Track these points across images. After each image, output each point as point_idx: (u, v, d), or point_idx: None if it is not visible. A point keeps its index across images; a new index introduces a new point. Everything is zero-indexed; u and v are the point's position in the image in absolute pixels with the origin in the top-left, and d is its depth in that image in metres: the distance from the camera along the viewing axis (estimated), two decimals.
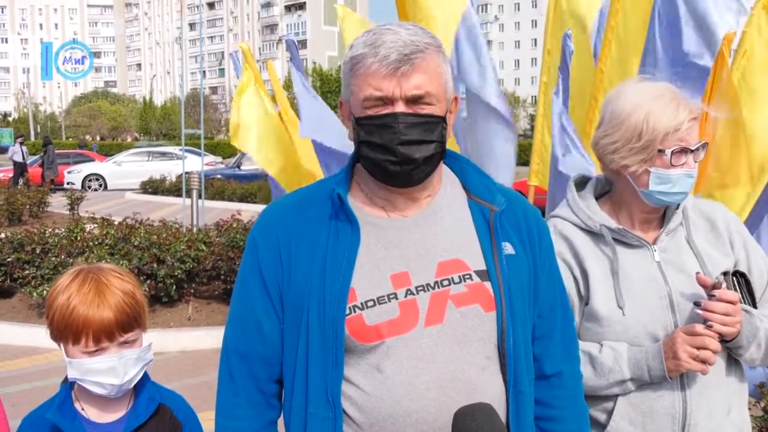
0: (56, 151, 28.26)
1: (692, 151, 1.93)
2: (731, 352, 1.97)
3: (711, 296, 1.86)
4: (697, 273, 1.91)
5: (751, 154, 3.57)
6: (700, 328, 1.85)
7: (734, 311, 1.85)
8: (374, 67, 1.56)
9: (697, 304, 1.87)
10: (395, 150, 1.57)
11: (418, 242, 1.65)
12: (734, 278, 1.98)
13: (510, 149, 4.60)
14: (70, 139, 71.21)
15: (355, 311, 1.59)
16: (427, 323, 1.59)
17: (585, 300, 2.00)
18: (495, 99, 4.36)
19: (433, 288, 1.61)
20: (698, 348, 1.84)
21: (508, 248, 1.67)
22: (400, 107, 1.57)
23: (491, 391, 1.61)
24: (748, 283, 1.99)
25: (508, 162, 4.61)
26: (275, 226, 1.70)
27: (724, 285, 1.87)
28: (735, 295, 1.87)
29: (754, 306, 1.99)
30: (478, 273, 1.63)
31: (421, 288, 1.61)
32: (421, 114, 1.58)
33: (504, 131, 4.50)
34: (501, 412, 1.63)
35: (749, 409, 2.11)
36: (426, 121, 1.58)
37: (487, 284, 1.63)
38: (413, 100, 1.57)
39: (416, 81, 1.56)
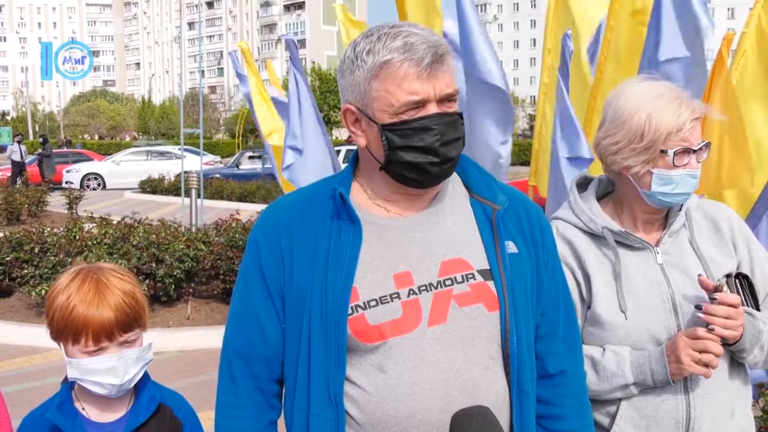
0: (52, 150, 28.24)
1: (695, 151, 1.92)
2: (734, 355, 1.95)
3: (713, 299, 1.85)
4: (699, 275, 1.90)
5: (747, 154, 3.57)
6: (701, 331, 1.84)
7: (736, 314, 1.84)
8: (411, 71, 1.54)
9: (698, 307, 1.86)
10: (437, 151, 1.57)
11: (420, 242, 1.64)
12: (737, 280, 1.96)
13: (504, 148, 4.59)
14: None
15: (357, 311, 1.58)
16: (430, 323, 1.59)
17: (587, 303, 1.99)
18: (495, 74, 4.31)
19: (436, 287, 1.61)
20: (700, 351, 1.83)
21: (511, 247, 1.66)
22: (434, 108, 1.57)
23: (495, 391, 1.61)
24: (750, 285, 1.97)
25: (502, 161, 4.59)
26: (277, 225, 1.70)
27: (725, 288, 1.86)
28: (736, 299, 1.86)
29: (757, 308, 1.97)
30: (481, 272, 1.63)
31: (423, 288, 1.60)
32: (450, 112, 1.59)
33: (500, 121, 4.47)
34: (504, 412, 1.62)
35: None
36: (456, 119, 1.60)
37: (490, 283, 1.62)
38: (443, 99, 1.58)
39: (447, 80, 1.57)
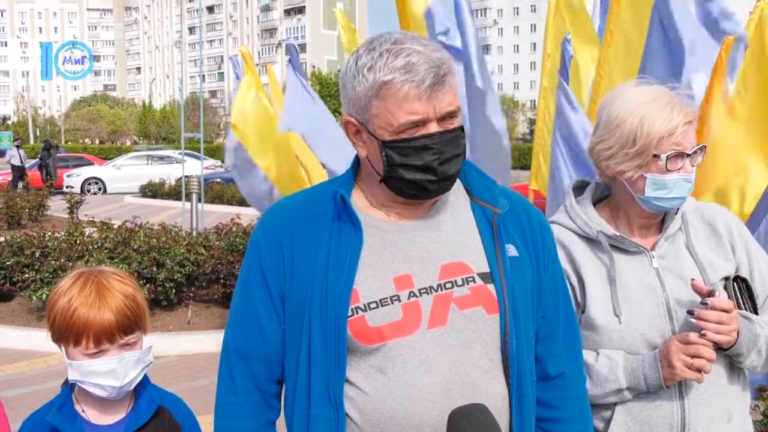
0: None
1: (689, 155, 1.91)
2: (731, 359, 1.95)
3: (704, 304, 1.84)
4: (692, 279, 1.89)
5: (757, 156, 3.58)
6: (693, 336, 1.83)
7: (728, 319, 1.83)
8: (411, 92, 1.54)
9: (690, 312, 1.85)
10: (436, 170, 1.58)
11: (421, 245, 1.65)
12: (735, 284, 1.96)
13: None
14: (69, 143, 71.35)
15: (357, 312, 1.59)
16: (430, 325, 1.59)
17: (582, 308, 1.98)
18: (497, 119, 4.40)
19: (436, 290, 1.61)
20: (692, 356, 1.82)
21: (512, 250, 1.67)
22: (434, 127, 1.57)
23: (494, 394, 1.61)
24: (749, 289, 1.97)
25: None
26: (278, 226, 1.71)
27: (718, 293, 1.85)
28: (729, 303, 1.85)
29: (755, 312, 1.97)
30: (482, 275, 1.64)
31: (424, 290, 1.61)
32: (451, 129, 1.59)
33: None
34: (504, 414, 1.63)
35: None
36: (456, 135, 1.60)
37: (491, 287, 1.63)
38: (444, 117, 1.58)
39: (448, 99, 1.57)
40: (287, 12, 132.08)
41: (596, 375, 1.92)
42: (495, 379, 1.62)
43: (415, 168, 1.58)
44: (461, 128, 1.62)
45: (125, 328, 1.82)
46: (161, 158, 30.71)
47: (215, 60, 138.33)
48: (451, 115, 1.59)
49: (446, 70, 1.56)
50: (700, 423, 1.91)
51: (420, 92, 1.54)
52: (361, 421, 1.59)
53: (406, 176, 1.59)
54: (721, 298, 1.85)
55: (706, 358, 1.82)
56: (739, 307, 1.93)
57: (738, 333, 1.87)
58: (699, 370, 1.82)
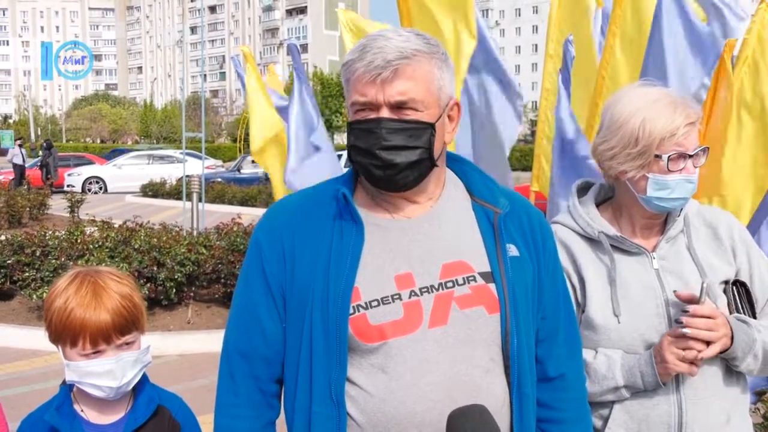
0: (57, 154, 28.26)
1: (691, 156, 1.92)
2: (728, 362, 1.95)
3: (685, 311, 1.84)
4: (675, 291, 1.90)
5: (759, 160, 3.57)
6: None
7: (715, 326, 1.84)
8: (359, 72, 1.58)
9: (678, 321, 1.86)
10: (377, 154, 1.59)
11: (422, 244, 1.65)
12: (734, 288, 1.96)
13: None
14: (71, 142, 71.41)
15: (358, 311, 1.59)
16: (431, 324, 1.59)
17: (582, 307, 1.99)
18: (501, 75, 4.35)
19: (437, 289, 1.61)
20: (684, 349, 1.83)
21: (513, 250, 1.67)
22: (385, 113, 1.58)
23: (495, 393, 1.61)
24: (748, 293, 1.98)
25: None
26: (279, 225, 1.71)
27: (703, 297, 1.85)
28: (711, 309, 1.85)
29: (754, 316, 1.97)
30: (483, 275, 1.64)
31: (425, 289, 1.61)
32: (405, 120, 1.59)
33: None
34: (505, 414, 1.63)
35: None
36: (410, 127, 1.59)
37: (492, 286, 1.63)
38: (397, 106, 1.58)
39: (399, 87, 1.57)
40: (289, 12, 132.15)
41: (594, 373, 1.93)
42: (496, 378, 1.63)
43: (360, 151, 1.60)
44: (422, 123, 1.60)
45: (122, 328, 1.82)
46: (162, 158, 30.71)
47: (217, 60, 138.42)
48: (405, 104, 1.58)
49: (400, 56, 1.56)
50: (698, 423, 1.92)
51: (365, 73, 1.57)
52: (363, 420, 1.59)
53: (357, 159, 1.62)
54: (703, 306, 1.85)
55: (697, 350, 1.83)
56: (738, 311, 1.95)
57: (733, 336, 1.87)
58: (692, 363, 1.83)
